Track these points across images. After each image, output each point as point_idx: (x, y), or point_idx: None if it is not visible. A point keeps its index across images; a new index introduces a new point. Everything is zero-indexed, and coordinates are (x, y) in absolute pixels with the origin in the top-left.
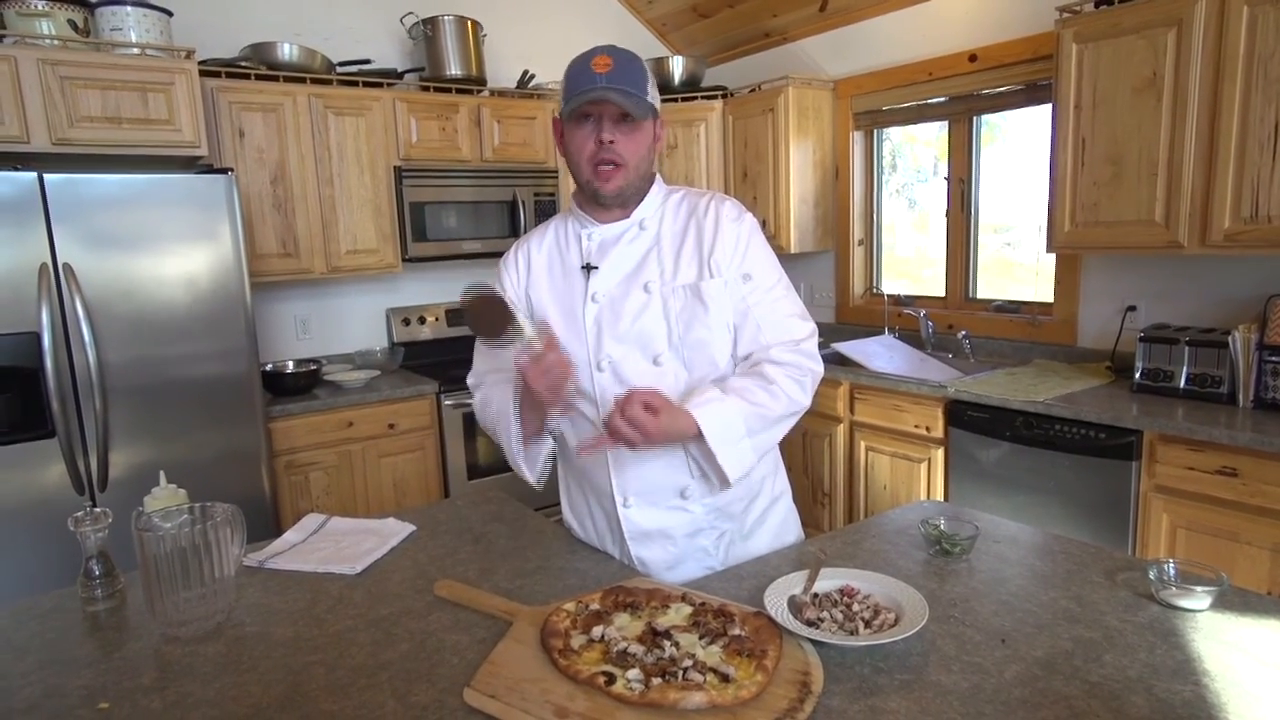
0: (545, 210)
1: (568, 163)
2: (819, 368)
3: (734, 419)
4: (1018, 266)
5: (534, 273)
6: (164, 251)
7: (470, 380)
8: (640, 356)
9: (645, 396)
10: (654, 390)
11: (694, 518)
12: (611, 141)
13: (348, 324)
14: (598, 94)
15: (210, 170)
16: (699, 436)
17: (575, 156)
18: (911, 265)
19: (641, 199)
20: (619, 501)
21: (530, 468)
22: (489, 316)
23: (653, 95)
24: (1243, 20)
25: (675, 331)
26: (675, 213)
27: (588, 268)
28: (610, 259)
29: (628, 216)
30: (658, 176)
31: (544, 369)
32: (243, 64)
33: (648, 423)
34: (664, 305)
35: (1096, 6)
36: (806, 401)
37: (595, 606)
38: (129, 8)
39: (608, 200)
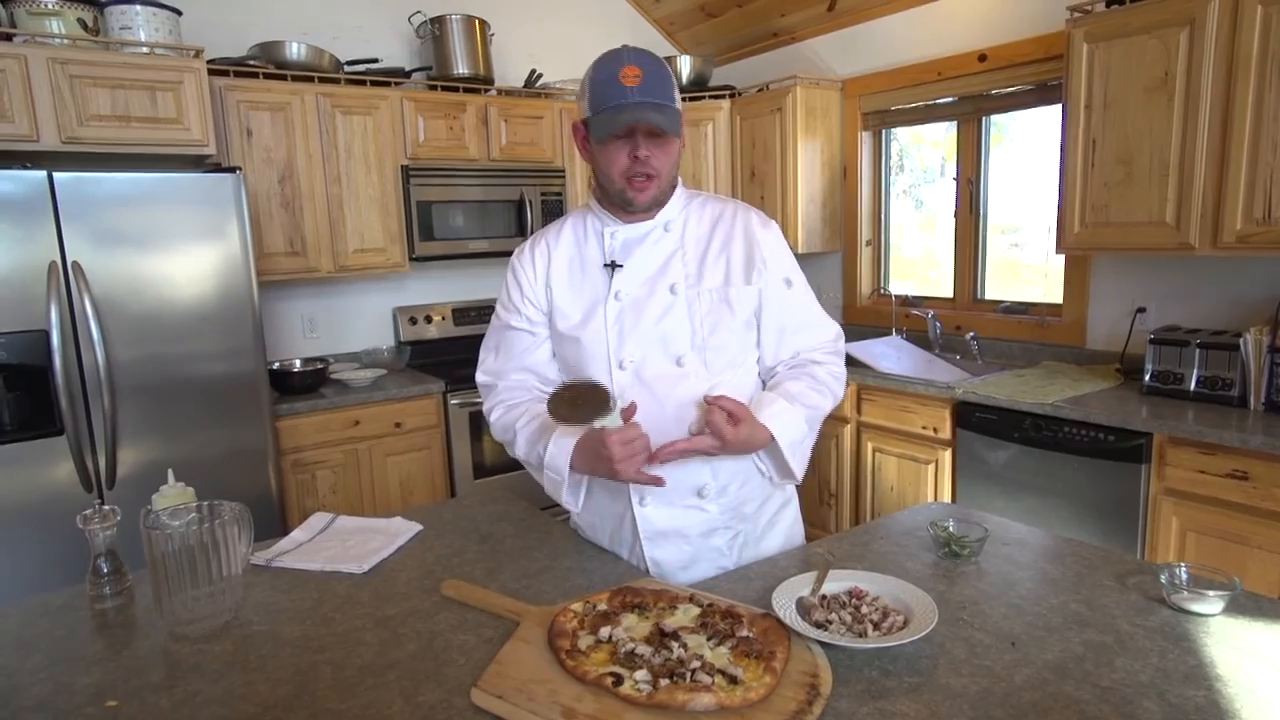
0: (553, 210)
1: (595, 171)
2: (844, 363)
3: (800, 424)
4: (1026, 267)
5: (554, 267)
6: (172, 250)
7: (482, 378)
8: (663, 356)
9: (730, 405)
10: (738, 401)
11: (709, 517)
12: (647, 156)
13: (355, 323)
14: (633, 115)
15: (218, 169)
16: (771, 443)
17: (606, 169)
18: (919, 266)
19: (665, 201)
20: (635, 501)
21: (574, 499)
22: (582, 402)
23: (678, 100)
24: (1256, 19)
25: (699, 334)
26: (699, 217)
27: (612, 265)
28: (635, 258)
29: (651, 217)
30: (680, 179)
31: (631, 447)
32: (251, 63)
33: (728, 431)
34: (689, 308)
35: (1108, 6)
36: (842, 395)
37: (603, 607)
38: (138, 7)
39: (640, 209)
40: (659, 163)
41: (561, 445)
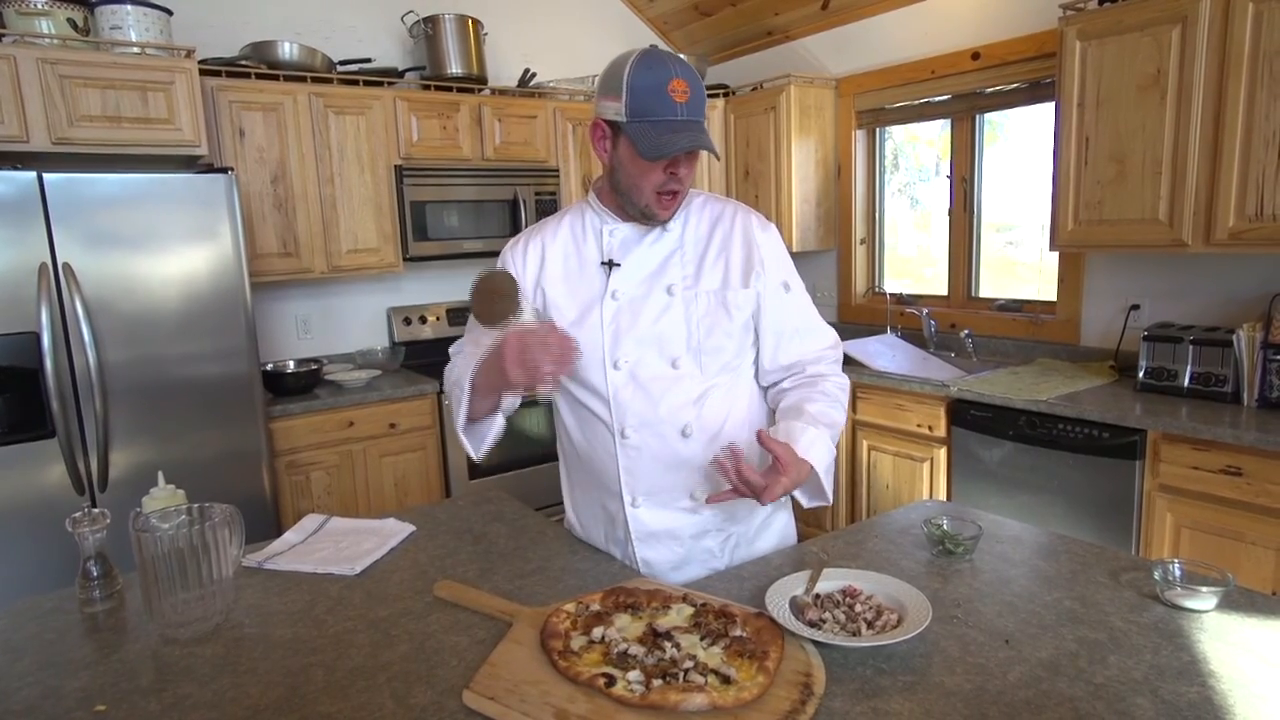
0: (546, 209)
1: (617, 176)
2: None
3: (830, 447)
4: (1020, 265)
5: (548, 263)
6: (164, 251)
7: (451, 349)
8: (658, 358)
9: (777, 449)
10: (783, 444)
11: (702, 519)
12: (685, 175)
13: (349, 323)
14: (690, 139)
15: (210, 169)
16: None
17: (637, 182)
18: (913, 264)
19: None
20: (627, 502)
21: (474, 443)
22: (495, 298)
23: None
24: (1248, 17)
25: (695, 336)
26: (698, 217)
27: (609, 264)
28: (633, 257)
29: None
30: None
31: (526, 349)
32: (243, 63)
33: (778, 488)
34: (686, 309)
35: (1100, 4)
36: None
37: (596, 607)
38: (129, 7)
39: (662, 224)
40: (688, 178)
41: (468, 355)
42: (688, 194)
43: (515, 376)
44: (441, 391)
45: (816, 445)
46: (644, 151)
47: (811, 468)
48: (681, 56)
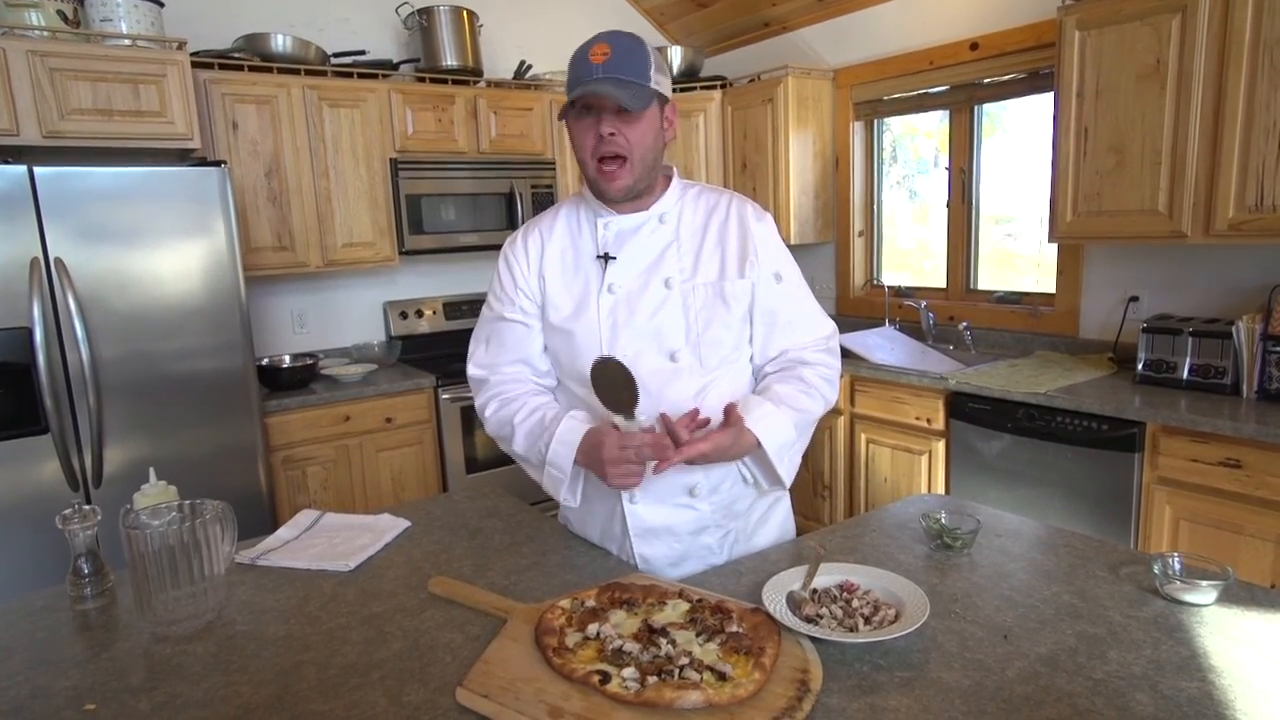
0: (543, 202)
1: (576, 157)
2: (839, 363)
3: (787, 429)
4: (1019, 257)
5: (547, 257)
6: (157, 245)
7: (474, 371)
8: (656, 351)
9: (730, 416)
10: (731, 404)
11: (700, 515)
12: (612, 134)
13: (345, 318)
14: (592, 87)
15: (203, 163)
16: (758, 448)
17: (579, 151)
18: (912, 256)
19: (655, 190)
20: (625, 498)
21: (574, 496)
22: (618, 389)
23: (658, 80)
24: (1248, 6)
25: (694, 329)
26: (693, 209)
27: (605, 257)
28: (628, 250)
29: (646, 209)
30: (675, 170)
31: (624, 454)
32: (236, 55)
33: (693, 449)
34: (683, 302)
35: None
36: (835, 398)
37: (591, 603)
38: None
39: (617, 199)
40: (626, 141)
41: (566, 441)
42: (676, 180)
43: (615, 481)
44: (438, 386)
45: (768, 420)
46: (562, 113)
47: (757, 442)
48: (628, 32)
